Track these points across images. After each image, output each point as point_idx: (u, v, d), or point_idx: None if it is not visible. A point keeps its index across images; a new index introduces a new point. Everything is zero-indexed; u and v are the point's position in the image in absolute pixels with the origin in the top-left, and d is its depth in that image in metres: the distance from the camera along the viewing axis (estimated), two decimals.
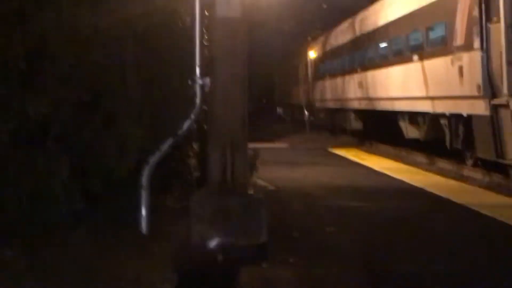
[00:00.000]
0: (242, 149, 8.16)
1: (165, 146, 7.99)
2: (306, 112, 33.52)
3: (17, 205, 6.79)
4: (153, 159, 7.92)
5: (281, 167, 16.35)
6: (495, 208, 10.33)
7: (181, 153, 10.50)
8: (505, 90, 11.96)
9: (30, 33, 6.62)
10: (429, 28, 16.13)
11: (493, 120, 12.67)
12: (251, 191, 8.44)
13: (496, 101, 12.52)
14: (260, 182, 13.51)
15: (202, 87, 8.04)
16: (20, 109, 6.73)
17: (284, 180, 13.91)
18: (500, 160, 12.85)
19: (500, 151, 12.61)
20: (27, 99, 6.77)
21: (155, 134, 7.98)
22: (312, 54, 33.21)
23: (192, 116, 8.10)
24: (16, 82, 6.70)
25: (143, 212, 7.92)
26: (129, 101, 7.44)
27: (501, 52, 12.07)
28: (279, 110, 47.67)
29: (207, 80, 8.02)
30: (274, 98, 47.99)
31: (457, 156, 16.60)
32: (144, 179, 7.87)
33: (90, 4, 7.10)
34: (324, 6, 34.74)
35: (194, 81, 8.02)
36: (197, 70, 8.02)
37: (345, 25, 26.62)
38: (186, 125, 8.08)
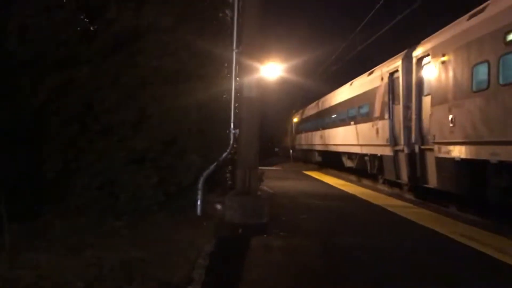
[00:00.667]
0: (255, 170, 8.11)
1: (212, 166, 7.98)
2: (291, 151, 33.70)
3: (126, 200, 6.56)
4: (205, 174, 7.92)
5: (276, 180, 16.03)
6: (394, 206, 10.02)
7: (222, 171, 10.46)
8: (402, 141, 11.70)
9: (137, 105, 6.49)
10: (360, 107, 15.92)
11: (394, 158, 12.41)
12: (259, 193, 8.20)
13: (396, 148, 12.27)
14: (265, 188, 13.28)
15: (234, 135, 8.00)
16: (131, 145, 6.54)
17: (278, 187, 13.61)
18: (398, 180, 12.57)
19: (398, 175, 12.35)
20: (135, 139, 6.59)
21: (206, 160, 7.79)
22: (295, 119, 33.34)
23: (227, 150, 8.06)
24: (129, 130, 6.53)
25: (199, 202, 7.83)
26: (193, 141, 7.21)
27: (399, 121, 11.84)
28: (277, 149, 47.65)
29: (237, 131, 8.01)
30: (273, 142, 48.02)
31: (373, 177, 16.32)
32: (200, 184, 7.81)
33: (174, 87, 6.96)
34: (302, 93, 34.52)
35: (229, 131, 7.96)
36: (232, 125, 7.96)
37: (313, 104, 26.61)
38: (223, 155, 8.08)
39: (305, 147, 28.69)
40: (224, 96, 8.35)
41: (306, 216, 8.48)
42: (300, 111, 31.44)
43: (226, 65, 8.41)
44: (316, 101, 25.19)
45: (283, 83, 27.27)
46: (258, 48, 8.24)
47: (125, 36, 6.25)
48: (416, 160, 11.03)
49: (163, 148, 6.89)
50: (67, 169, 6.15)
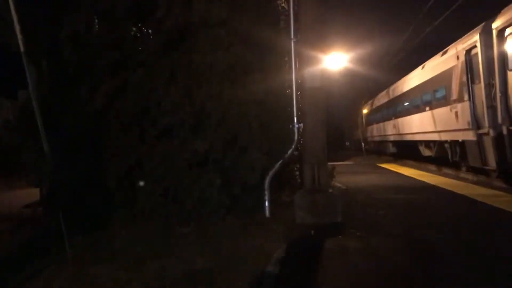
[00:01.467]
0: (324, 166, 7.49)
1: (277, 165, 7.48)
2: (362, 144, 32.41)
3: (191, 205, 6.23)
4: (271, 173, 7.45)
5: (349, 175, 15.26)
6: (482, 196, 8.99)
7: (290, 168, 10.06)
8: (486, 124, 10.49)
9: (195, 104, 6.12)
10: (435, 90, 14.67)
11: (479, 142, 11.19)
12: (331, 190, 7.58)
13: (480, 131, 11.05)
14: (337, 184, 12.59)
15: (298, 129, 7.45)
16: (192, 147, 6.21)
17: (351, 183, 12.83)
18: (485, 167, 11.32)
19: (484, 161, 11.11)
20: (196, 140, 6.25)
21: (271, 158, 7.30)
22: (364, 110, 31.97)
23: (293, 146, 7.52)
24: (188, 131, 6.20)
25: (266, 203, 7.39)
26: (254, 138, 6.75)
27: (482, 101, 10.63)
28: (347, 143, 46.23)
29: (301, 125, 7.45)
30: (344, 136, 46.65)
31: (455, 165, 14.98)
32: (266, 184, 7.37)
33: (231, 82, 6.54)
34: (370, 84, 33.06)
35: (293, 125, 7.43)
36: (295, 119, 7.43)
37: (383, 93, 25.21)
38: (289, 152, 7.52)
39: (377, 138, 27.36)
40: (288, 91, 7.81)
41: (384, 213, 7.74)
42: (370, 102, 30.07)
43: (286, 58, 7.86)
44: (386, 89, 23.84)
45: (349, 74, 26.25)
46: (318, 36, 7.62)
47: (177, 33, 5.93)
48: (505, 143, 9.80)
49: (224, 148, 6.49)
50: (130, 176, 5.92)
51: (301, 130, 7.48)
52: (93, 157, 5.67)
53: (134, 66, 5.76)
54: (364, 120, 32.03)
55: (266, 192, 7.39)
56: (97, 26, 5.73)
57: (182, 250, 5.50)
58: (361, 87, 35.60)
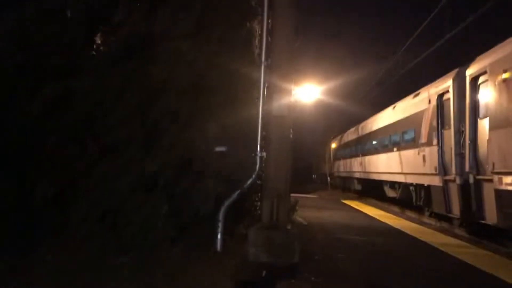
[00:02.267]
0: (284, 200, 6.97)
1: (235, 194, 6.83)
2: (328, 178, 32.21)
3: (131, 233, 5.49)
4: (227, 202, 6.80)
5: (312, 210, 14.71)
6: (446, 245, 8.57)
7: (251, 199, 9.45)
8: (453, 170, 10.21)
9: (146, 121, 5.48)
10: (404, 132, 14.49)
11: (444, 188, 10.90)
12: (289, 227, 6.98)
13: (446, 177, 10.77)
14: (298, 218, 12.01)
15: (261, 158, 6.86)
16: (137, 169, 5.52)
17: (313, 218, 12.28)
18: (449, 214, 11.01)
19: (448, 208, 10.81)
20: (143, 161, 5.56)
21: (229, 187, 6.67)
22: (333, 145, 31.87)
23: (253, 176, 6.91)
24: (136, 150, 5.51)
25: (219, 236, 6.71)
26: (212, 165, 6.12)
27: (450, 147, 10.39)
28: (314, 176, 46.05)
29: (264, 154, 6.87)
30: (311, 169, 46.47)
31: (418, 209, 14.71)
32: (221, 215, 6.70)
33: (191, 102, 5.94)
34: (340, 119, 33.09)
35: (256, 154, 6.85)
36: (258, 147, 6.85)
37: (352, 129, 25.15)
38: (249, 181, 6.89)
39: (343, 174, 27.13)
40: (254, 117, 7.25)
41: (344, 256, 7.16)
42: (339, 137, 30.00)
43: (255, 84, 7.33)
44: (356, 126, 23.75)
45: (321, 106, 26.10)
46: (288, 64, 7.16)
47: (135, 42, 5.33)
48: (470, 192, 9.50)
49: (176, 173, 5.83)
50: (62, 197, 5.16)
51: (264, 159, 6.93)
52: (22, 173, 4.90)
53: (81, 73, 5.09)
54: (332, 154, 31.92)
55: (220, 224, 6.71)
56: (44, 26, 5.06)
57: (114, 286, 4.77)
58: (331, 122, 35.69)
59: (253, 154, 6.92)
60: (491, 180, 8.61)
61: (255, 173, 6.88)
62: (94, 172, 5.19)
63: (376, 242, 8.73)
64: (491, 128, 8.47)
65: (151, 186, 5.71)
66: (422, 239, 9.54)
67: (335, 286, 5.30)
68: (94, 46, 5.24)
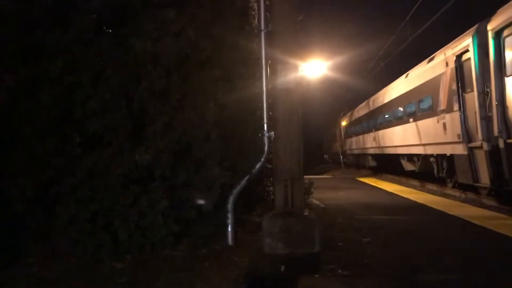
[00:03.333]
0: (299, 182, 6.19)
1: (243, 182, 6.14)
2: (341, 157, 31.35)
3: (127, 232, 4.77)
4: (235, 191, 6.13)
5: (327, 191, 13.98)
6: (478, 218, 7.81)
7: (262, 184, 8.76)
8: (479, 136, 9.34)
9: (132, 104, 4.70)
10: (420, 101, 13.57)
11: (470, 156, 10.04)
12: (306, 213, 6.23)
13: (472, 144, 9.90)
14: (314, 201, 11.27)
15: (269, 138, 6.09)
16: (129, 160, 4.77)
17: (330, 200, 11.56)
18: (476, 184, 10.17)
19: (476, 177, 9.95)
20: (135, 151, 4.81)
21: (237, 173, 5.94)
22: (343, 122, 30.91)
23: (262, 159, 6.16)
24: (124, 139, 4.75)
25: (229, 229, 6.03)
26: (214, 150, 5.35)
27: (474, 111, 9.50)
28: (325, 156, 45.17)
29: (272, 133, 6.10)
30: (322, 149, 45.58)
31: (438, 181, 13.86)
32: (230, 205, 6.02)
33: (182, 78, 5.16)
34: (349, 94, 32.08)
35: (263, 134, 6.08)
36: (265, 126, 6.08)
37: (362, 104, 24.19)
38: (258, 165, 6.16)
39: (356, 151, 26.25)
40: (257, 91, 6.45)
41: (370, 240, 6.39)
42: (349, 113, 29.04)
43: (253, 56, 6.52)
44: (366, 100, 22.78)
45: (329, 83, 25.17)
46: (292, 30, 6.33)
47: (111, 14, 4.55)
48: (501, 158, 8.65)
49: (174, 161, 5.08)
50: (45, 197, 4.45)
51: (272, 139, 6.16)
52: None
53: (53, 54, 4.33)
54: (343, 132, 31.01)
55: (229, 215, 6.01)
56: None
57: None
58: (340, 99, 34.70)
59: (259, 135, 6.17)
60: None
61: (264, 155, 6.13)
62: (79, 166, 4.46)
63: (403, 221, 7.96)
64: None
65: (146, 178, 4.98)
66: (451, 213, 8.76)
67: (367, 279, 4.54)
68: (65, 22, 4.46)
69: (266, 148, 6.14)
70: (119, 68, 4.47)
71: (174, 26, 4.77)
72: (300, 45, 6.39)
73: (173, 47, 4.69)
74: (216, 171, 5.30)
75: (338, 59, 19.85)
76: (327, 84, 25.74)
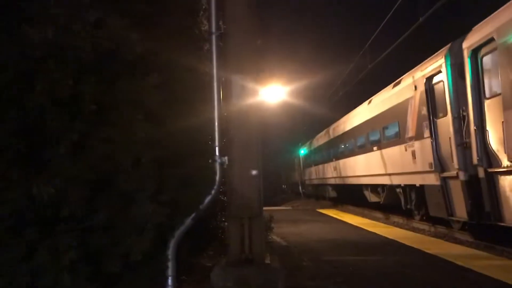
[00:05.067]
0: (258, 220, 4.91)
1: (188, 220, 4.78)
2: (300, 187, 30.40)
3: None
4: (178, 233, 4.76)
5: (288, 224, 12.90)
6: (462, 258, 6.91)
7: (216, 219, 7.47)
8: (455, 165, 8.44)
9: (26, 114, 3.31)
10: (385, 128, 12.75)
11: (443, 187, 9.12)
12: (268, 260, 4.94)
13: (445, 174, 9.01)
14: (275, 238, 9.99)
15: (222, 165, 4.80)
16: (21, 193, 3.35)
17: (291, 235, 10.43)
18: (451, 218, 9.22)
19: (450, 210, 9.01)
20: (30, 179, 3.40)
21: (181, 208, 4.60)
22: (303, 152, 30.12)
23: (213, 192, 4.82)
24: (14, 164, 3.34)
25: (170, 282, 4.63)
26: (146, 180, 4.00)
27: (448, 137, 8.64)
28: (284, 186, 44.24)
29: (225, 159, 4.83)
30: (281, 179, 44.65)
31: (404, 212, 12.94)
32: (171, 251, 4.64)
33: (102, 80, 3.85)
34: (308, 122, 31.45)
35: (214, 160, 4.80)
36: (217, 151, 4.80)
37: (322, 133, 23.43)
38: (207, 199, 4.82)
39: (316, 181, 25.29)
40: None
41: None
42: (308, 142, 28.27)
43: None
44: (326, 129, 22.00)
45: (288, 109, 24.31)
46: (248, 34, 5.21)
47: None
48: (481, 189, 7.75)
49: (89, 195, 3.68)
50: None
51: (225, 166, 4.89)
52: None
53: None
54: (302, 161, 30.14)
55: (170, 264, 4.63)
56: None
57: None
58: (300, 126, 33.97)
59: (210, 161, 4.89)
60: (510, 172, 6.89)
61: (215, 186, 4.83)
62: None
63: (379, 263, 6.77)
64: (506, 108, 6.75)
65: (49, 218, 3.55)
66: (428, 251, 7.71)
67: None
68: None
69: (217, 177, 4.85)
70: (7, 64, 3.10)
71: (90, 13, 3.47)
72: (256, 51, 5.23)
73: (86, 39, 3.38)
74: (149, 208, 3.93)
75: (297, 85, 18.99)
76: (286, 110, 24.94)
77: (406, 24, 12.87)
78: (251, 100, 5.04)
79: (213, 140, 4.89)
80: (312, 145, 26.22)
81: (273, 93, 15.65)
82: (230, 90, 5.03)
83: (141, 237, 3.92)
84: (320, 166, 23.01)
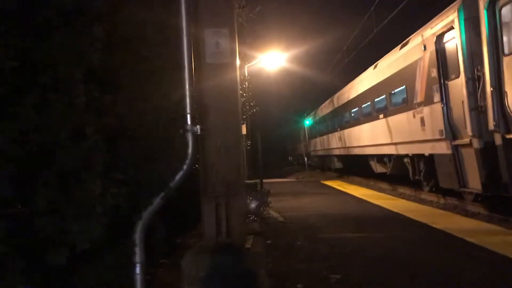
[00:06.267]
0: (238, 198, 4.22)
1: (157, 199, 4.04)
2: (305, 158, 29.77)
3: None
4: (146, 214, 4.03)
5: (289, 197, 12.48)
6: (473, 233, 6.30)
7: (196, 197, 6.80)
8: (468, 131, 7.67)
9: None
10: (392, 94, 11.91)
11: (455, 156, 8.37)
12: (249, 244, 4.30)
13: (457, 142, 8.25)
14: (272, 213, 9.43)
15: (194, 135, 4.07)
16: None
17: (290, 209, 9.91)
18: (463, 189, 8.52)
19: (463, 180, 8.29)
20: None
21: (145, 187, 3.94)
22: (307, 122, 29.31)
23: (184, 167, 4.07)
24: None
25: (138, 270, 3.96)
26: (94, 155, 3.32)
27: (461, 101, 7.84)
28: (290, 157, 43.66)
29: (198, 128, 4.10)
30: (287, 150, 44.00)
31: (413, 183, 12.25)
32: (137, 235, 3.95)
33: None
34: (314, 91, 30.55)
35: (186, 130, 4.07)
36: (189, 119, 4.06)
37: (326, 102, 22.58)
38: (178, 176, 4.06)
39: (321, 152, 24.59)
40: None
41: (340, 277, 4.51)
42: (313, 112, 27.42)
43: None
44: (330, 98, 21.13)
45: (292, 78, 23.38)
46: None
47: None
48: (498, 157, 7.00)
49: (23, 174, 3.02)
50: None
51: (199, 137, 4.18)
52: None
53: None
54: (307, 133, 29.38)
55: (137, 250, 3.98)
56: None
57: None
58: (305, 96, 33.06)
59: (181, 131, 4.17)
60: None
61: (188, 160, 4.13)
62: None
63: (381, 241, 6.13)
64: None
65: None
66: (436, 226, 7.07)
67: None
68: None
69: (190, 150, 4.11)
70: None
71: None
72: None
73: None
74: (98, 188, 3.27)
75: (299, 51, 17.99)
76: (290, 79, 24.02)
77: None
78: (228, 59, 4.29)
79: (184, 107, 4.17)
80: (316, 115, 25.40)
81: (273, 59, 14.78)
82: (203, 47, 4.27)
83: (88, 223, 3.26)
84: (325, 137, 22.26)
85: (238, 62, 4.43)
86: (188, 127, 4.10)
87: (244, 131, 13.02)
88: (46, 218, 3.23)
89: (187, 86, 4.15)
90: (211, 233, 4.08)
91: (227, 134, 4.25)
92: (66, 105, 3.01)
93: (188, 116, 4.12)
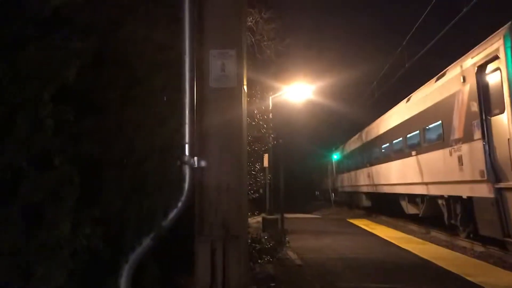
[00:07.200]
0: (238, 242, 3.68)
1: (147, 240, 3.56)
2: (332, 194, 28.87)
3: None
4: (134, 256, 3.56)
5: (311, 236, 11.87)
6: None
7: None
8: None
9: None
10: (425, 129, 11.20)
11: (498, 201, 7.58)
12: None
13: (502, 184, 7.47)
14: (290, 254, 8.77)
15: (192, 168, 3.59)
16: None
17: (310, 251, 9.29)
18: (507, 239, 7.66)
19: (508, 229, 7.47)
20: None
21: (131, 225, 3.48)
22: (335, 157, 28.50)
23: (179, 204, 3.59)
24: None
25: None
26: (68, 188, 2.87)
27: (506, 139, 7.13)
28: (317, 192, 42.65)
29: (195, 160, 3.62)
30: (313, 185, 43.04)
31: (447, 226, 11.30)
32: (124, 280, 3.47)
33: None
34: (343, 125, 29.99)
35: (183, 162, 3.60)
36: (187, 149, 3.60)
37: (355, 136, 21.88)
38: (172, 214, 3.59)
39: (348, 189, 23.69)
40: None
41: None
42: (341, 147, 26.69)
43: None
44: (359, 132, 20.42)
45: (322, 114, 22.85)
46: None
47: None
48: None
49: None
50: None
51: (198, 170, 3.69)
52: None
53: None
54: (334, 167, 28.55)
55: None
56: None
57: None
58: (334, 130, 32.48)
59: (178, 163, 3.70)
60: None
61: (183, 197, 3.64)
62: None
63: None
64: None
65: None
66: (472, 280, 6.27)
67: None
68: None
69: (187, 184, 3.64)
70: None
71: None
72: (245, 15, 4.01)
73: None
74: (65, 227, 2.80)
75: (326, 83, 17.43)
76: (318, 112, 23.52)
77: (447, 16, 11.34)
78: (234, 84, 3.84)
79: (182, 136, 3.72)
80: (344, 150, 24.66)
81: (299, 92, 14.31)
82: (208, 69, 3.85)
83: (52, 267, 2.79)
84: (353, 173, 21.44)
85: (245, 88, 3.97)
86: (186, 159, 3.63)
87: (266, 163, 12.51)
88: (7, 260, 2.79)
89: (187, 112, 3.71)
90: (204, 281, 3.54)
91: (230, 169, 3.75)
92: (29, 127, 2.60)
93: (187, 146, 3.66)
